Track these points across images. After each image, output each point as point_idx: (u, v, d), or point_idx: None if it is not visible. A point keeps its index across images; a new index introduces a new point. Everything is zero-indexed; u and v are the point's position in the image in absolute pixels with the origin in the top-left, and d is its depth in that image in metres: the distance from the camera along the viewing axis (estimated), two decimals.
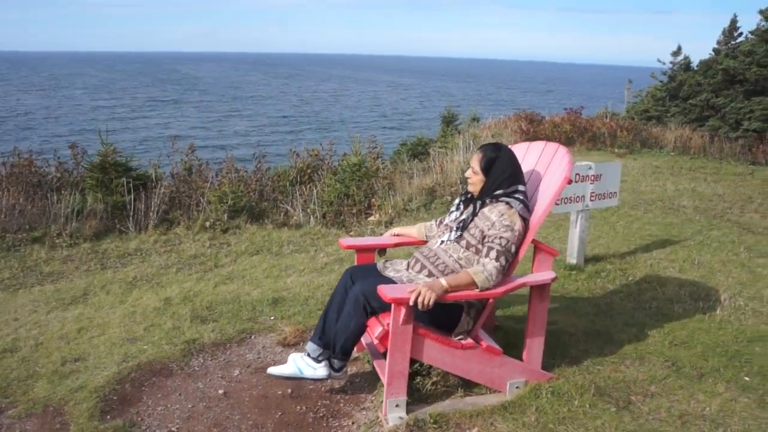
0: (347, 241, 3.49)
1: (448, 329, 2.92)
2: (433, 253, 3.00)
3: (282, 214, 7.03)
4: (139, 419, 2.90)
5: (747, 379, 3.12)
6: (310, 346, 3.05)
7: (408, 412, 2.83)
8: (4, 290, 4.93)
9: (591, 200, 4.68)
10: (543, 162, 3.11)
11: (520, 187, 2.93)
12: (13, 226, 6.31)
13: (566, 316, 3.89)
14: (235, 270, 5.17)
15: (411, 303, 2.60)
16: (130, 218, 6.74)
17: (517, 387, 2.98)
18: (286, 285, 4.63)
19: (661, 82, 17.38)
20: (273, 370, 3.08)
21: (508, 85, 76.76)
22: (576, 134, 11.98)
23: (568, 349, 3.43)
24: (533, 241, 2.94)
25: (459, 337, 2.90)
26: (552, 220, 6.31)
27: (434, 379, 3.08)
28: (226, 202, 6.81)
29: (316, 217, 6.99)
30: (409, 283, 2.88)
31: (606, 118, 13.38)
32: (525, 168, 3.20)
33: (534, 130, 11.62)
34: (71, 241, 6.15)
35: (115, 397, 3.08)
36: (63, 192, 6.95)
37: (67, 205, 6.62)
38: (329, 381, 3.18)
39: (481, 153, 2.99)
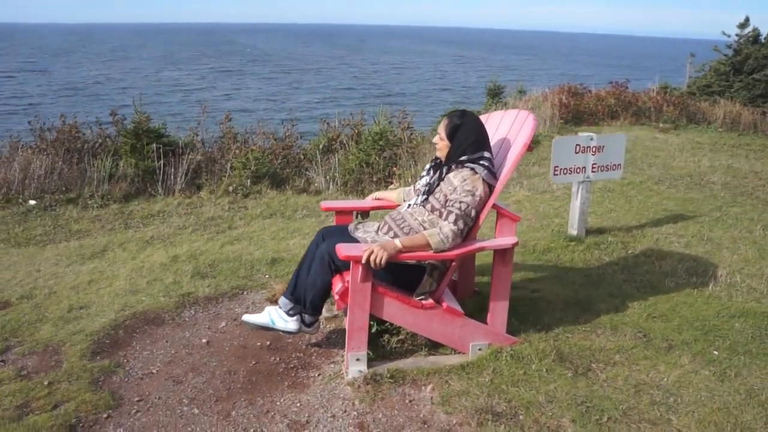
0: (327, 203, 3.65)
1: (412, 290, 3.06)
2: (401, 216, 3.13)
3: (303, 180, 7.26)
4: (125, 361, 3.19)
5: (716, 353, 3.14)
6: (282, 301, 3.25)
7: (370, 367, 3.00)
8: (36, 245, 5.36)
9: (593, 171, 4.67)
10: (513, 130, 3.17)
11: (486, 154, 3.01)
12: (51, 188, 6.78)
13: (551, 285, 3.96)
14: (245, 232, 5.44)
15: (363, 261, 2.74)
16: (159, 182, 7.11)
17: (479, 349, 3.10)
18: (288, 246, 4.85)
19: (726, 55, 16.58)
20: (247, 317, 3.30)
21: (568, 58, 74.47)
22: (620, 108, 11.67)
23: (542, 316, 3.51)
24: (495, 206, 3.03)
25: (420, 297, 3.03)
26: (563, 191, 6.29)
27: (401, 337, 3.24)
28: (249, 168, 7.09)
29: (337, 184, 7.18)
30: (373, 242, 3.02)
31: (653, 92, 12.94)
32: (497, 135, 3.28)
33: (575, 103, 11.39)
34: (102, 202, 6.57)
35: (107, 341, 3.38)
36: (99, 157, 7.37)
37: (101, 169, 7.04)
38: (307, 336, 3.39)
39: (447, 119, 3.09)
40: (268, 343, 3.40)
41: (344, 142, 8.18)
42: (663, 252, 4.61)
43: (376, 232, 3.15)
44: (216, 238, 5.24)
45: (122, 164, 7.26)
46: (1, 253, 5.10)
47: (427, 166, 3.28)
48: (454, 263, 3.03)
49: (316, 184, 7.23)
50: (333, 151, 8.20)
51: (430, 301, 3.02)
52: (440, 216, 2.98)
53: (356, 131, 8.14)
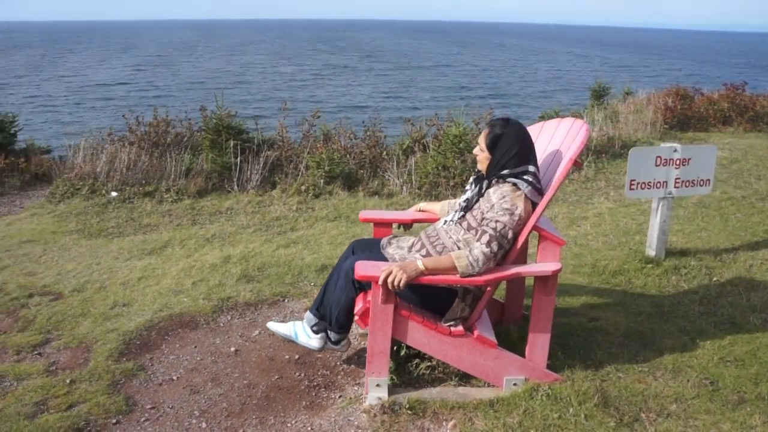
0: (366, 213, 3.52)
1: (442, 313, 2.86)
2: (436, 233, 2.94)
3: (377, 182, 7.16)
4: (149, 364, 3.22)
5: None
6: (307, 315, 3.16)
7: (392, 393, 2.84)
8: (105, 237, 5.62)
9: (676, 187, 4.22)
10: (566, 141, 2.88)
11: (530, 168, 2.75)
12: (132, 181, 7.12)
13: (613, 314, 3.61)
14: (305, 235, 5.42)
15: (380, 282, 2.58)
16: (235, 179, 7.27)
17: (514, 384, 2.86)
18: (341, 253, 4.75)
19: None
20: (272, 324, 3.25)
21: (697, 58, 69.57)
22: (735, 113, 10.67)
23: (594, 350, 3.19)
24: (536, 227, 2.76)
25: (449, 324, 2.83)
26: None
27: (432, 363, 3.04)
28: (323, 168, 7.09)
29: (412, 187, 7.03)
30: (401, 261, 2.85)
31: None
32: (551, 147, 3.00)
33: (683, 107, 10.54)
34: (176, 196, 6.81)
35: (138, 342, 3.44)
36: (180, 151, 7.65)
37: (179, 163, 7.31)
38: (338, 353, 3.28)
39: (488, 128, 2.86)
40: (296, 356, 3.33)
41: (426, 143, 8.00)
42: (755, 282, 4.08)
43: (409, 249, 2.97)
44: (274, 240, 5.26)
45: (200, 159, 7.49)
46: (72, 243, 5.39)
47: (471, 179, 3.05)
48: (489, 288, 2.79)
49: (390, 187, 7.11)
50: (413, 152, 8.05)
51: (460, 328, 2.80)
52: (476, 235, 2.76)
53: (441, 132, 7.93)
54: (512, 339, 3.22)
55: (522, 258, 3.13)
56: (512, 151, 2.76)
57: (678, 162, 4.16)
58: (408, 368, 3.05)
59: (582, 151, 2.69)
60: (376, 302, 2.69)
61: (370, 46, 76.96)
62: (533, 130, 3.32)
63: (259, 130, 8.53)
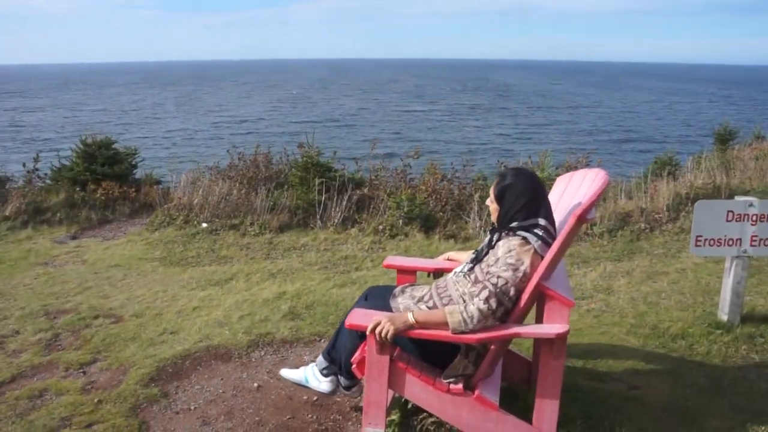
0: (390, 260, 3.54)
1: (444, 369, 2.82)
2: (445, 285, 2.92)
3: (455, 226, 7.14)
4: (173, 392, 3.43)
5: None
6: (319, 359, 3.23)
7: None
8: (183, 266, 6.05)
9: (752, 245, 3.86)
10: (588, 194, 2.76)
11: (540, 221, 2.67)
12: (221, 213, 7.61)
13: (660, 383, 3.35)
14: (366, 275, 5.51)
15: (368, 332, 2.61)
16: (318, 216, 7.55)
17: None
18: None
19: None
20: (285, 372, 3.34)
21: None
22: None
23: (624, 422, 2.97)
24: (541, 286, 2.65)
25: (449, 380, 2.77)
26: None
27: (438, 419, 2.98)
28: (402, 208, 7.19)
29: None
30: (405, 312, 2.85)
31: None
32: (576, 199, 2.89)
33: None
34: (258, 231, 7.18)
35: (170, 369, 3.67)
36: (270, 186, 8.09)
37: (268, 199, 7.72)
38: (356, 397, 3.31)
39: (498, 178, 2.82)
40: (314, 398, 3.40)
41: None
42: None
43: (420, 299, 2.95)
44: (333, 278, 5.40)
45: (286, 195, 7.87)
46: (151, 270, 5.85)
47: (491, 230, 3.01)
48: (493, 347, 2.72)
49: (468, 231, 7.06)
50: None
51: (460, 386, 2.74)
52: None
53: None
54: (531, 402, 3.08)
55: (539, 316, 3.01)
56: (520, 202, 2.70)
57: (755, 218, 3.82)
58: (413, 422, 3.02)
59: (593, 204, 2.56)
60: (371, 352, 2.70)
61: (504, 86, 76.97)
62: (561, 181, 3.22)
63: (345, 168, 8.83)
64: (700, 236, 3.87)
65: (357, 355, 2.83)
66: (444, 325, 2.61)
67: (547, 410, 2.75)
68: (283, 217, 7.49)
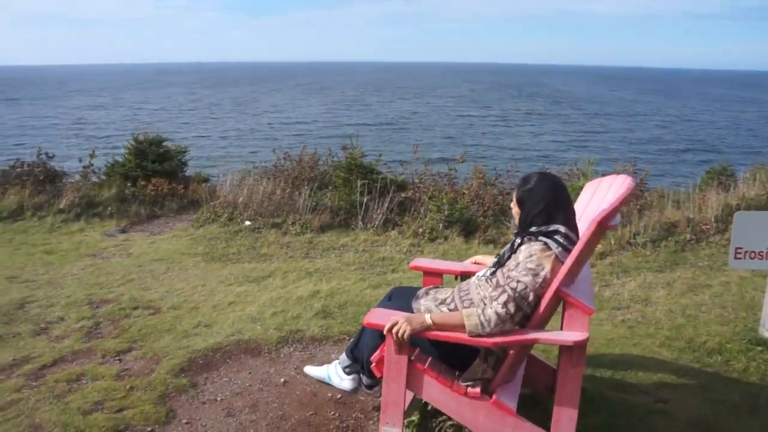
0: (417, 261, 3.57)
1: (463, 371, 2.82)
2: (467, 288, 2.92)
3: (495, 231, 7.10)
4: (202, 383, 3.54)
5: None
6: (342, 357, 3.28)
7: None
8: (222, 262, 6.20)
9: None
10: (606, 199, 2.72)
11: (560, 228, 2.65)
12: (264, 212, 7.77)
13: (689, 398, 3.26)
14: (401, 277, 5.54)
15: (385, 332, 2.64)
16: (360, 217, 7.63)
17: None
18: None
19: None
20: (308, 368, 3.41)
21: None
22: None
23: None
24: (561, 292, 2.62)
25: (467, 384, 2.78)
26: None
27: (457, 422, 2.99)
28: (443, 212, 7.19)
29: None
30: (425, 312, 2.87)
31: None
32: (598, 206, 2.85)
33: None
34: (300, 230, 7.30)
35: (201, 361, 3.78)
36: (313, 187, 8.21)
37: (310, 199, 7.84)
38: (378, 397, 3.34)
39: (521, 182, 2.81)
40: (339, 396, 3.44)
41: None
42: None
43: (441, 302, 2.97)
44: (368, 279, 5.44)
45: (329, 196, 7.97)
46: (193, 265, 6.02)
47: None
48: (512, 351, 2.71)
49: (509, 236, 7.01)
50: None
51: (477, 389, 2.74)
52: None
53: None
54: (551, 410, 3.05)
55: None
56: (538, 207, 2.69)
57: None
58: (431, 424, 3.03)
59: (615, 211, 2.52)
60: (390, 352, 2.74)
61: (560, 92, 75.79)
62: (589, 187, 3.18)
63: (391, 170, 8.91)
64: (740, 248, 3.75)
65: (376, 354, 2.86)
66: (461, 327, 2.61)
67: (564, 418, 2.72)
68: (325, 218, 7.59)
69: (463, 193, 8.10)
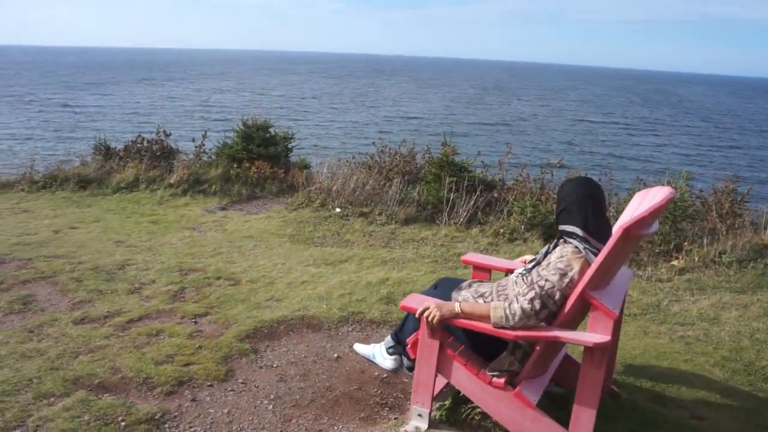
0: (468, 256, 3.74)
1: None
2: (505, 283, 3.07)
3: None
4: (263, 350, 3.90)
5: None
6: (387, 339, 3.54)
7: (434, 426, 3.05)
8: (306, 244, 6.61)
9: None
10: (641, 208, 2.78)
11: (578, 231, 2.75)
12: (355, 201, 8.12)
13: (730, 420, 3.22)
14: (470, 273, 5.67)
15: (417, 315, 2.85)
16: (445, 212, 7.81)
17: None
18: None
19: None
20: (357, 346, 3.69)
21: None
22: None
23: None
24: (587, 295, 2.71)
25: (494, 374, 2.93)
26: None
27: (484, 411, 3.14)
28: (526, 214, 7.23)
29: None
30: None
31: None
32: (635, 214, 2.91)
33: None
34: (385, 221, 7.59)
35: (265, 330, 4.15)
36: (404, 180, 8.48)
37: (399, 191, 8.11)
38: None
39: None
40: (384, 375, 3.68)
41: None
42: None
43: (480, 295, 3.14)
44: (438, 272, 5.63)
45: (417, 190, 8.21)
46: (278, 244, 6.47)
47: None
48: (538, 347, 2.84)
49: None
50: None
51: (502, 380, 2.89)
52: None
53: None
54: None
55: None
56: (560, 207, 2.85)
57: None
58: (462, 409, 3.20)
59: (644, 219, 2.57)
60: (424, 336, 2.95)
61: (690, 102, 71.55)
62: (638, 196, 3.21)
63: (487, 169, 9.01)
64: None
65: (412, 337, 3.08)
66: (487, 318, 2.78)
67: (583, 418, 2.81)
68: (411, 211, 7.84)
69: (551, 197, 8.07)
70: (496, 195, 8.08)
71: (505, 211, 7.61)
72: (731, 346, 4.13)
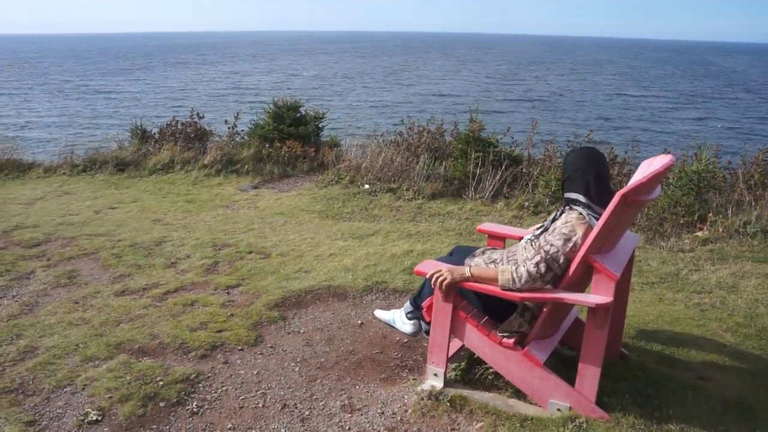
0: (484, 225, 3.90)
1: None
2: (515, 249, 3.24)
3: None
4: (291, 317, 4.14)
5: None
6: (406, 304, 3.73)
7: (449, 386, 3.26)
8: (335, 219, 6.84)
9: None
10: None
11: (581, 198, 2.90)
12: (384, 177, 8.31)
13: (736, 380, 3.33)
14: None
15: (428, 278, 3.04)
16: (471, 187, 7.95)
17: (558, 409, 3.01)
18: None
19: None
20: (378, 312, 3.90)
21: None
22: None
23: (675, 406, 3.04)
24: (589, 258, 2.86)
25: (504, 335, 3.11)
26: None
27: (497, 372, 3.33)
28: (550, 188, 7.33)
29: (636, 221, 6.82)
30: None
31: None
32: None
33: None
34: (412, 196, 7.77)
35: (293, 299, 4.39)
36: (431, 156, 8.63)
37: (426, 167, 8.27)
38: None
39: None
40: (405, 340, 3.89)
41: (668, 177, 7.59)
42: None
43: (492, 261, 3.30)
44: (461, 244, 5.78)
45: (444, 166, 8.35)
46: (308, 220, 6.71)
47: None
48: (545, 309, 3.00)
49: None
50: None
51: (511, 341, 3.07)
52: None
53: (683, 166, 7.43)
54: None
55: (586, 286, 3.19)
56: (564, 175, 2.99)
57: None
58: (476, 370, 3.39)
59: (642, 185, 2.69)
60: (438, 299, 3.14)
61: (735, 73, 69.37)
62: (644, 165, 3.32)
63: (516, 143, 9.09)
64: None
65: (427, 301, 3.28)
66: (493, 281, 2.95)
67: (588, 375, 2.97)
68: (437, 186, 8.00)
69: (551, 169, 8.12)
70: (522, 170, 8.18)
71: (530, 185, 7.71)
72: (746, 312, 4.21)
